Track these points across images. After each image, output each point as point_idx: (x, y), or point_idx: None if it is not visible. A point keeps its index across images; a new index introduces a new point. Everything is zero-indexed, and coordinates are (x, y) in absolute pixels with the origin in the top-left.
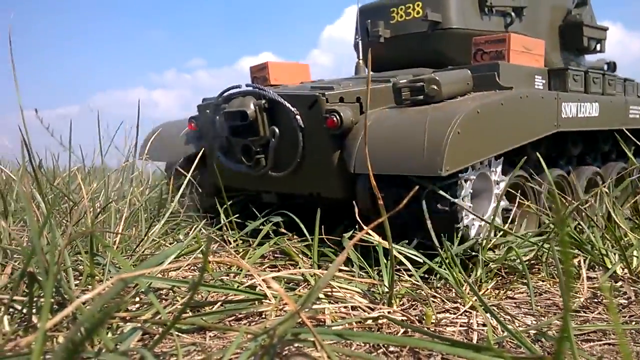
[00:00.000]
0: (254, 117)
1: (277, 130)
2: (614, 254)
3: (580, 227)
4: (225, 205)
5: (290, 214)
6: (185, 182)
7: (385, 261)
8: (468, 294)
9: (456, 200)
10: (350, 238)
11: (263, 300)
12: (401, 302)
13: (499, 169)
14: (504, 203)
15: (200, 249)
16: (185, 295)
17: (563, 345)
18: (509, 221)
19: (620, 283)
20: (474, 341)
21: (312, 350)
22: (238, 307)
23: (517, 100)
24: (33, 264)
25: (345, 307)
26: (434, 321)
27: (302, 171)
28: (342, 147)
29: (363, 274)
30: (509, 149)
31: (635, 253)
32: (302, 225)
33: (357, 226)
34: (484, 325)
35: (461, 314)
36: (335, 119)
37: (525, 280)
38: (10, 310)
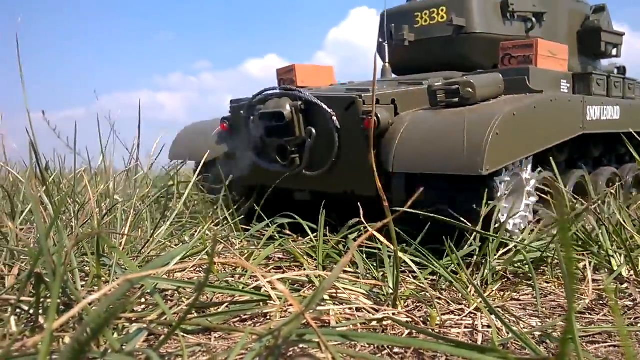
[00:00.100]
0: (290, 118)
1: (314, 130)
2: (620, 255)
3: (589, 227)
4: (236, 204)
5: (294, 216)
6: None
7: (389, 263)
8: (473, 295)
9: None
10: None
11: (268, 302)
12: (406, 304)
13: (529, 167)
14: (532, 199)
15: (206, 250)
16: (190, 296)
17: (567, 346)
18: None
19: (625, 285)
20: (479, 343)
21: (317, 351)
22: (243, 308)
23: (548, 103)
24: (40, 265)
25: (350, 308)
26: (438, 323)
27: (337, 170)
28: (379, 147)
29: (368, 275)
30: (540, 150)
31: None
32: (306, 227)
33: (362, 227)
34: (489, 326)
35: (466, 316)
36: (373, 120)
37: (530, 282)
38: (18, 310)
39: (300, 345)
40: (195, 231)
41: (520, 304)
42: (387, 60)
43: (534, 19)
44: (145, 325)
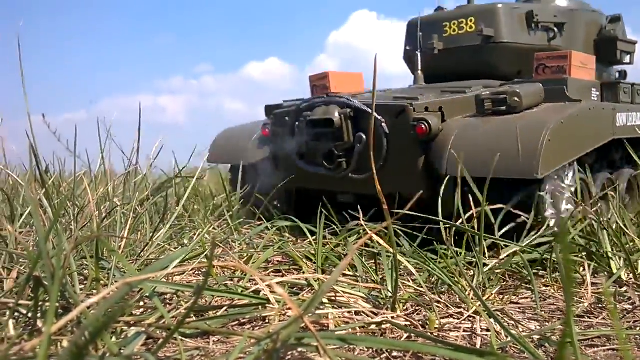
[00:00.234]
0: (340, 124)
1: (364, 136)
2: (620, 258)
3: (592, 229)
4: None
5: (294, 219)
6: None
7: (388, 266)
8: (472, 299)
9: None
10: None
11: (267, 305)
12: (405, 307)
13: (571, 173)
14: (570, 206)
15: (205, 253)
16: (189, 300)
17: (565, 350)
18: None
19: (625, 288)
20: (478, 346)
21: (316, 355)
22: (242, 311)
23: (587, 111)
24: (39, 269)
25: (348, 311)
26: (437, 326)
27: (383, 173)
28: (428, 152)
29: (367, 278)
30: (581, 155)
31: None
32: (306, 230)
33: (363, 230)
34: (488, 330)
35: (465, 319)
36: (424, 126)
37: (529, 286)
38: (16, 314)
39: (299, 349)
40: (195, 234)
41: (519, 307)
42: (419, 68)
43: (555, 29)
44: (143, 329)
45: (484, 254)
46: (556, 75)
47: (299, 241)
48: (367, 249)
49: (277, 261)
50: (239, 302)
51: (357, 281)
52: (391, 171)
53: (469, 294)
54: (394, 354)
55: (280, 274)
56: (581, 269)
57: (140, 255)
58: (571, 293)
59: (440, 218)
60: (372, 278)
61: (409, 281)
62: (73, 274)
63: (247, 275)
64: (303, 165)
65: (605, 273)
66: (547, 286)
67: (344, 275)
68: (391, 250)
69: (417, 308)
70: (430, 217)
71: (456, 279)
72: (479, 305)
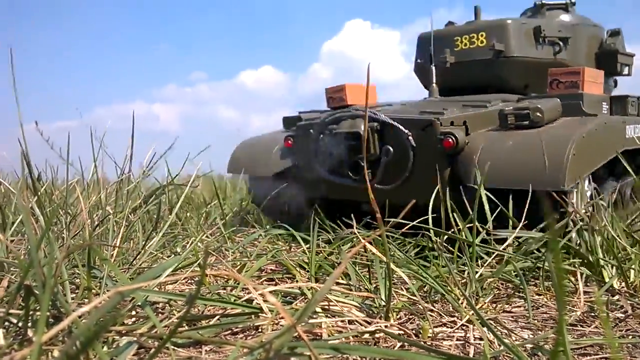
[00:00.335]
0: (366, 137)
1: (391, 149)
2: (612, 266)
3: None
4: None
5: (288, 227)
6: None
7: (381, 274)
8: (465, 307)
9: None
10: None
11: (260, 314)
12: (398, 316)
13: (586, 183)
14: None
15: (198, 262)
16: (181, 309)
17: (557, 358)
18: None
19: (617, 297)
20: (471, 355)
21: None
22: (234, 320)
23: (603, 125)
24: (30, 277)
25: (342, 320)
26: (430, 335)
27: (409, 184)
28: (454, 164)
29: (360, 287)
30: (598, 167)
31: (633, 267)
32: (299, 239)
33: (355, 238)
34: (481, 339)
35: (458, 328)
36: (451, 140)
37: (522, 294)
38: (6, 323)
39: (292, 359)
40: (188, 242)
41: (512, 316)
42: (434, 81)
43: (561, 43)
44: (135, 339)
45: (476, 261)
46: (570, 90)
47: (292, 249)
48: (361, 256)
49: (271, 269)
50: (231, 311)
51: (351, 290)
52: (417, 182)
53: (462, 303)
54: None
55: (274, 282)
56: (573, 277)
57: (132, 264)
58: (563, 302)
59: (431, 226)
60: (366, 287)
61: (402, 290)
62: (64, 283)
63: (240, 284)
64: (330, 176)
65: (597, 281)
66: (539, 295)
67: (338, 283)
68: (384, 258)
69: (410, 317)
70: (423, 225)
71: (449, 288)
72: (472, 314)
